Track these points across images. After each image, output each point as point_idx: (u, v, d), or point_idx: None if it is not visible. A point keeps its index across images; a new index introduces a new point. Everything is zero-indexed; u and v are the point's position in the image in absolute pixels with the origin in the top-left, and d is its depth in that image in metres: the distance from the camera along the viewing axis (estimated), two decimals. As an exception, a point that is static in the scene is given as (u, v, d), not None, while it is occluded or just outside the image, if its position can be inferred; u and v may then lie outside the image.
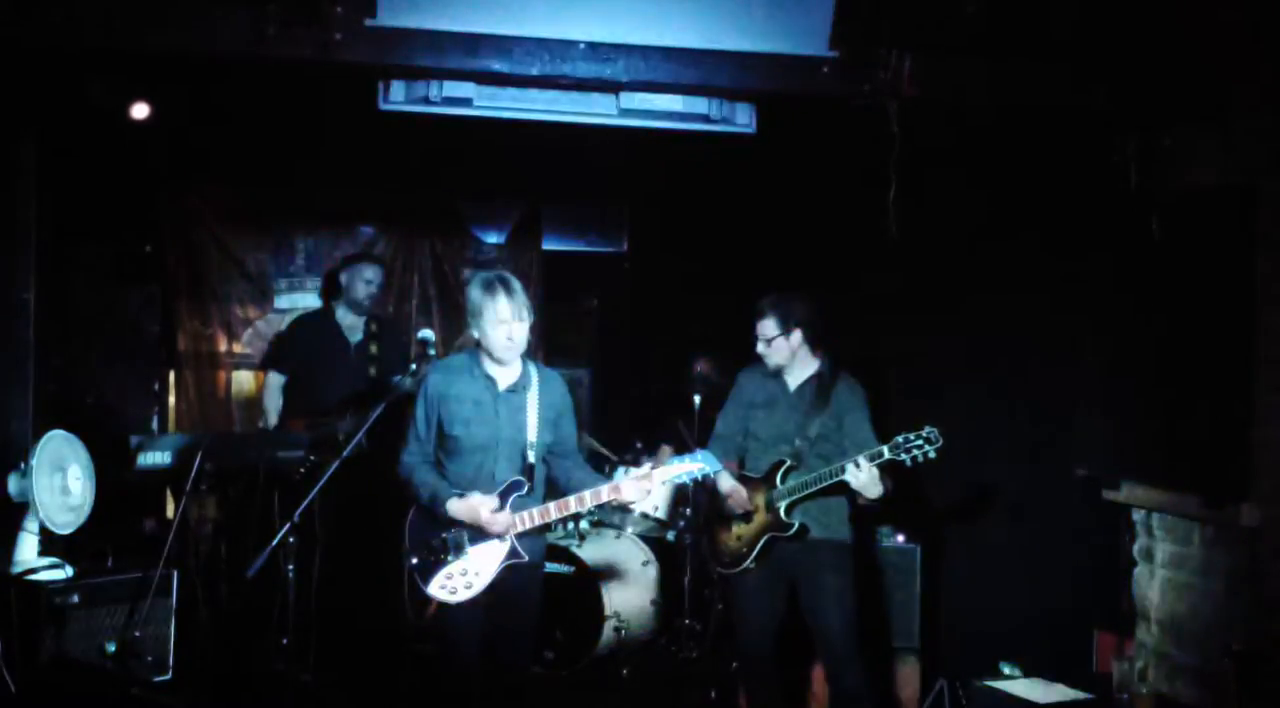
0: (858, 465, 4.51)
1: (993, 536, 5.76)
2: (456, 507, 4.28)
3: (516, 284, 4.36)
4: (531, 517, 4.30)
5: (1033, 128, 5.27)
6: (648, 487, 4.26)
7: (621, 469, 6.65)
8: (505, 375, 4.41)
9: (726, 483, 4.92)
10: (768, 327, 4.85)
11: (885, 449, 4.48)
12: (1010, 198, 5.63)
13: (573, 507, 4.32)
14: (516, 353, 4.38)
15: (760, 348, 4.89)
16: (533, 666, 6.03)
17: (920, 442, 4.43)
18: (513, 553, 4.30)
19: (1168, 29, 4.68)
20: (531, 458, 4.36)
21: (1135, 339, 5.19)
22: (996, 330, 5.78)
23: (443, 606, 4.27)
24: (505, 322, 4.29)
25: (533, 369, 4.47)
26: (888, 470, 4.57)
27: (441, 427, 4.37)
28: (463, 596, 4.27)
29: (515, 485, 4.31)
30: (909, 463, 4.46)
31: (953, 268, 5.96)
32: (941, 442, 4.41)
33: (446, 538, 4.31)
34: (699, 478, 4.33)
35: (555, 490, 4.47)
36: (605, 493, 4.26)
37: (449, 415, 4.35)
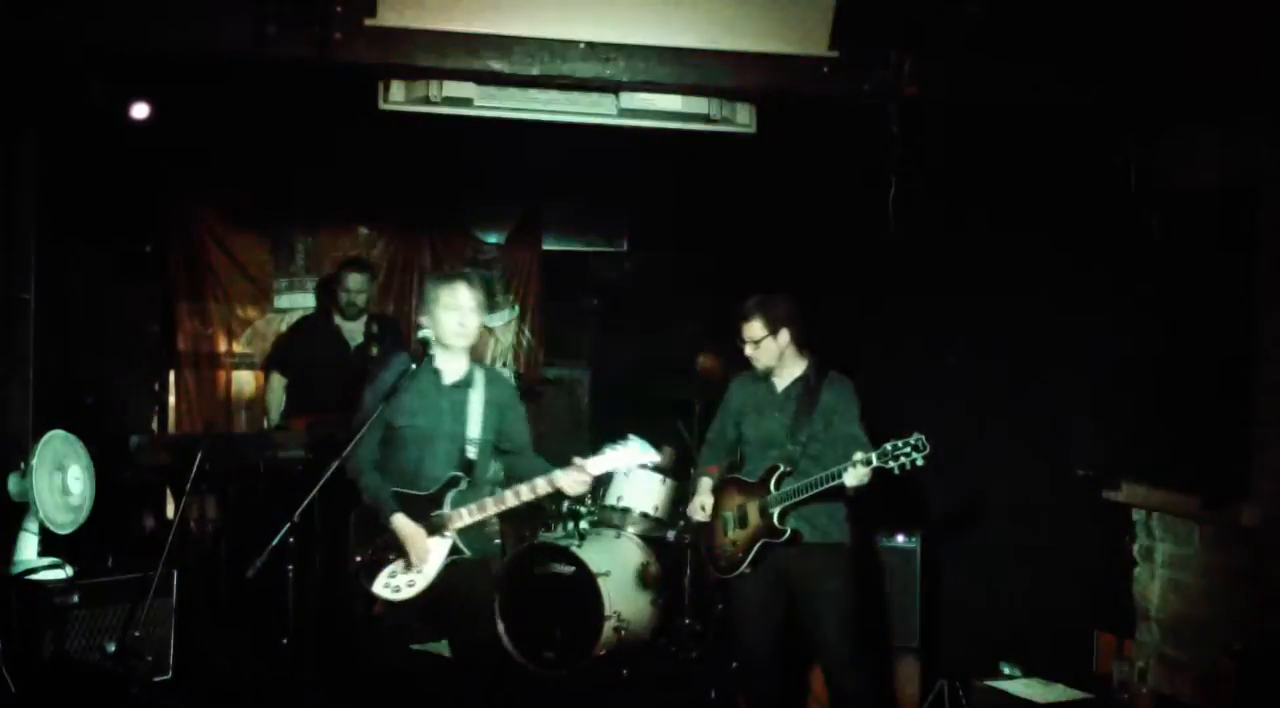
0: (854, 466, 4.49)
1: (993, 536, 5.75)
2: (401, 525, 4.30)
3: (479, 281, 4.45)
4: (470, 512, 4.32)
5: (1033, 128, 5.26)
6: (584, 477, 4.28)
7: (621, 471, 6.65)
8: (452, 370, 4.44)
9: (704, 487, 4.95)
10: (754, 329, 4.81)
11: (874, 457, 4.45)
12: (1010, 198, 5.62)
13: (510, 501, 4.34)
14: (467, 342, 4.42)
15: (748, 350, 4.85)
16: (528, 663, 6.05)
17: (908, 449, 4.39)
18: (454, 550, 4.33)
19: (1167, 29, 4.68)
20: (471, 453, 4.38)
21: (1135, 339, 5.18)
22: (997, 330, 5.78)
23: (387, 604, 4.29)
24: (458, 308, 4.35)
25: (479, 368, 4.51)
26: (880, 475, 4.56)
27: (385, 419, 4.39)
28: (406, 593, 4.29)
29: (453, 481, 4.34)
30: (897, 471, 4.42)
31: (952, 267, 5.96)
32: (929, 449, 4.37)
33: (389, 537, 4.33)
34: (632, 463, 4.34)
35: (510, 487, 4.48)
36: (541, 486, 4.30)
37: (395, 407, 4.37)
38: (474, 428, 4.40)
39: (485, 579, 4.54)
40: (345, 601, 4.46)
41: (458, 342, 4.41)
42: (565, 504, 6.59)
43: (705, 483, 4.99)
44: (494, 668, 4.68)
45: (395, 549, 4.33)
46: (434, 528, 4.32)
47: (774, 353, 4.83)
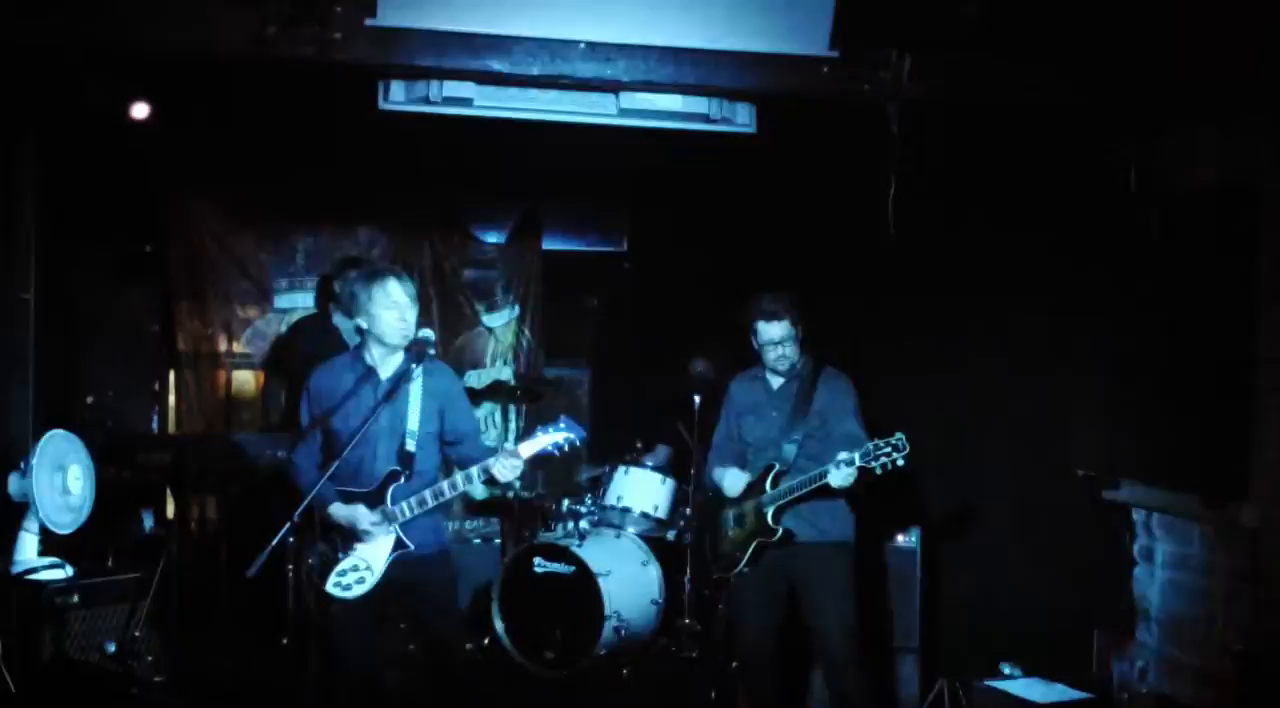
0: (838, 467, 4.49)
1: (993, 536, 5.75)
2: (338, 511, 4.35)
3: (405, 275, 4.46)
4: (410, 506, 4.34)
5: (1032, 128, 5.26)
6: (517, 462, 4.29)
7: (621, 469, 6.65)
8: (387, 366, 4.45)
9: (719, 472, 4.93)
10: (785, 328, 4.78)
11: (856, 456, 4.44)
12: (1010, 198, 5.62)
13: (447, 492, 4.37)
14: (406, 338, 4.41)
15: (777, 352, 4.80)
16: (528, 663, 6.05)
17: (888, 449, 4.37)
18: (399, 544, 4.36)
19: (1166, 29, 4.68)
20: (410, 446, 4.39)
21: (1135, 339, 5.19)
22: (997, 330, 5.78)
23: (342, 603, 4.32)
24: (396, 305, 4.36)
25: (415, 362, 4.47)
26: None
27: (323, 421, 4.42)
28: (357, 591, 4.33)
29: (392, 476, 4.37)
30: (879, 471, 4.42)
31: (952, 267, 5.96)
32: (909, 449, 4.36)
33: (334, 533, 4.37)
34: (564, 447, 4.33)
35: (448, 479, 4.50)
36: (475, 474, 4.31)
37: (332, 410, 4.40)
38: (413, 421, 4.41)
39: (441, 573, 4.53)
40: (306, 603, 4.52)
41: (398, 339, 4.41)
42: (565, 504, 6.60)
43: (720, 470, 4.94)
44: (461, 663, 4.67)
45: (343, 544, 4.37)
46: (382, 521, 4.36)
47: (796, 351, 4.82)
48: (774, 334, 4.78)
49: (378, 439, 4.40)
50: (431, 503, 4.36)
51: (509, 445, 4.32)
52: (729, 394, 5.09)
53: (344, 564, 4.36)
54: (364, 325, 4.43)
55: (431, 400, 4.46)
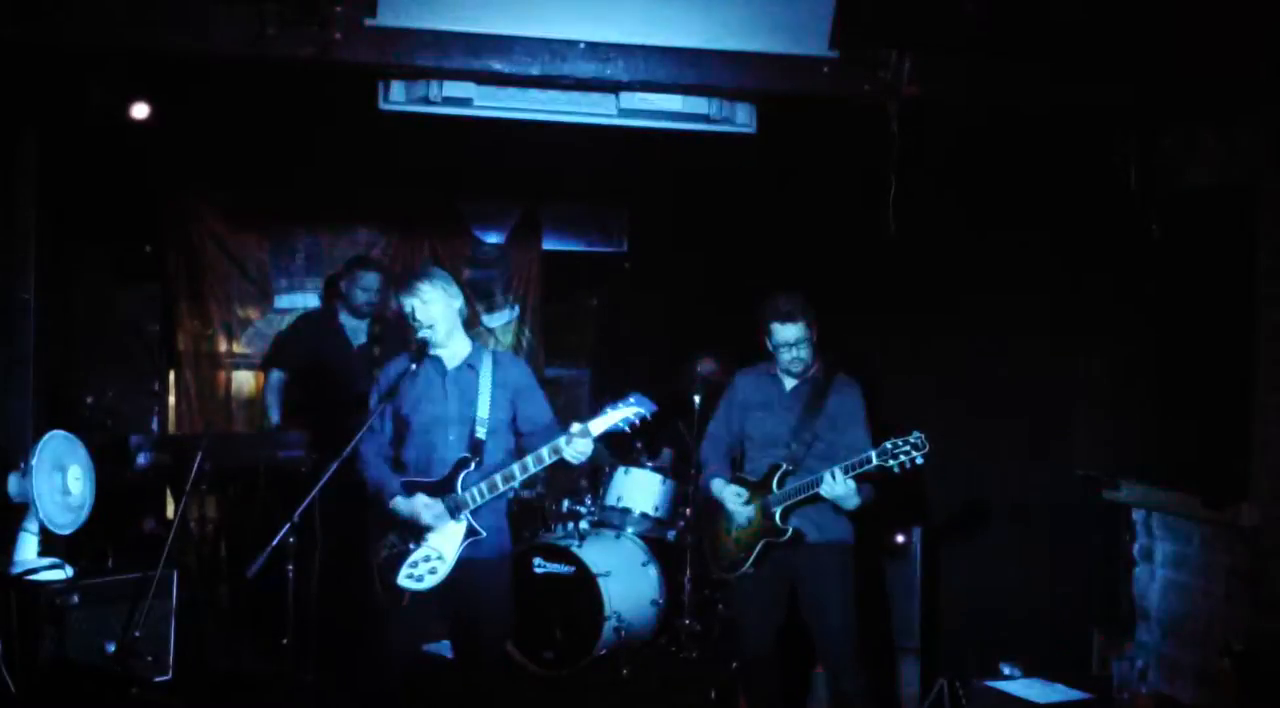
0: (833, 477, 4.49)
1: (993, 536, 5.76)
2: (401, 505, 4.37)
3: (437, 275, 4.51)
4: (481, 492, 4.34)
5: (1033, 128, 5.27)
6: (588, 441, 4.27)
7: (621, 469, 6.66)
8: (453, 355, 4.49)
9: (719, 486, 4.92)
10: (800, 329, 4.77)
11: (873, 455, 4.44)
12: (1010, 198, 5.63)
13: (518, 475, 4.35)
14: (455, 334, 4.48)
15: (791, 354, 4.78)
16: (528, 663, 6.05)
17: (907, 448, 4.38)
18: (470, 531, 4.35)
19: (1167, 29, 4.68)
20: (480, 434, 4.40)
21: (1135, 339, 5.19)
22: (997, 330, 5.78)
23: (413, 595, 4.32)
24: (452, 296, 4.45)
25: (484, 351, 4.57)
26: (872, 478, 4.55)
27: (395, 412, 4.46)
28: (429, 581, 4.32)
29: (462, 463, 4.37)
30: (896, 470, 4.43)
31: (952, 267, 5.96)
32: (928, 447, 4.37)
33: (401, 526, 4.37)
34: (635, 421, 4.30)
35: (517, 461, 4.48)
36: (546, 455, 4.29)
37: (402, 400, 4.44)
38: (483, 409, 4.42)
39: (499, 582, 4.52)
40: (367, 596, 4.47)
41: (447, 340, 4.47)
42: (565, 504, 6.61)
43: (720, 482, 4.93)
44: (496, 671, 4.66)
45: (411, 537, 4.37)
46: (449, 511, 4.35)
47: (812, 353, 4.81)
48: (789, 336, 4.77)
49: (447, 427, 4.42)
50: (502, 487, 4.35)
51: (578, 425, 4.28)
52: (733, 387, 5.07)
53: (415, 555, 4.35)
54: (429, 334, 4.43)
55: (502, 390, 4.48)
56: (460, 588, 4.37)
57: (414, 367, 4.43)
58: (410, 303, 4.41)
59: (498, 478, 4.34)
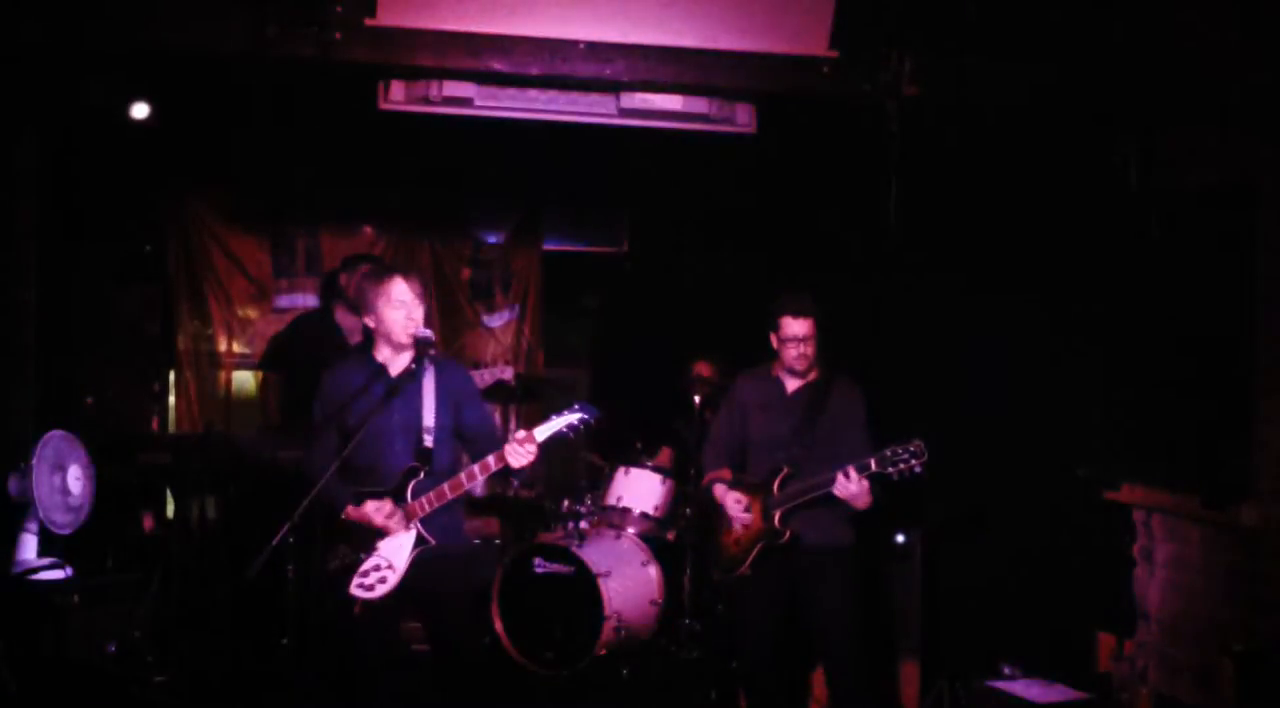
0: (847, 476, 4.48)
1: (993, 536, 5.75)
2: (353, 513, 4.34)
3: (409, 273, 4.47)
4: (430, 501, 4.32)
5: (1032, 128, 5.26)
6: (531, 447, 4.24)
7: (622, 469, 6.66)
8: (397, 363, 4.45)
9: (720, 491, 4.92)
10: (809, 325, 4.75)
11: (872, 462, 4.44)
12: (1010, 198, 5.62)
13: (465, 483, 4.33)
14: (414, 335, 4.40)
15: (798, 349, 4.76)
16: (529, 663, 6.05)
17: (906, 456, 4.37)
18: (419, 540, 4.34)
19: (1167, 29, 4.68)
20: (428, 442, 4.38)
21: (1135, 339, 5.19)
22: (996, 330, 5.78)
23: (365, 604, 4.31)
24: (405, 303, 4.36)
25: (426, 359, 4.47)
26: (880, 482, 4.55)
27: (340, 420, 4.39)
28: (380, 591, 4.30)
29: (411, 472, 4.35)
30: (895, 477, 4.42)
31: (952, 267, 5.96)
32: (928, 456, 4.35)
33: (352, 535, 4.35)
34: (578, 427, 4.29)
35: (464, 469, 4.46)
36: (491, 462, 4.27)
37: (344, 409, 4.38)
38: (428, 417, 4.40)
39: (456, 571, 4.50)
40: (326, 609, 4.48)
41: (405, 337, 4.41)
42: (565, 504, 6.60)
43: (722, 488, 4.91)
44: (473, 662, 4.66)
45: (361, 546, 4.35)
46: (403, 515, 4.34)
47: (815, 350, 4.81)
48: (799, 331, 4.76)
49: (394, 436, 4.39)
50: (450, 496, 4.33)
51: (522, 432, 4.26)
52: (735, 389, 5.07)
53: (366, 565, 4.33)
54: (372, 325, 4.43)
55: (446, 396, 4.46)
56: (416, 590, 4.34)
57: (413, 367, 4.41)
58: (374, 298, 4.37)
59: (446, 487, 4.32)
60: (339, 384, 4.46)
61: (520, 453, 4.23)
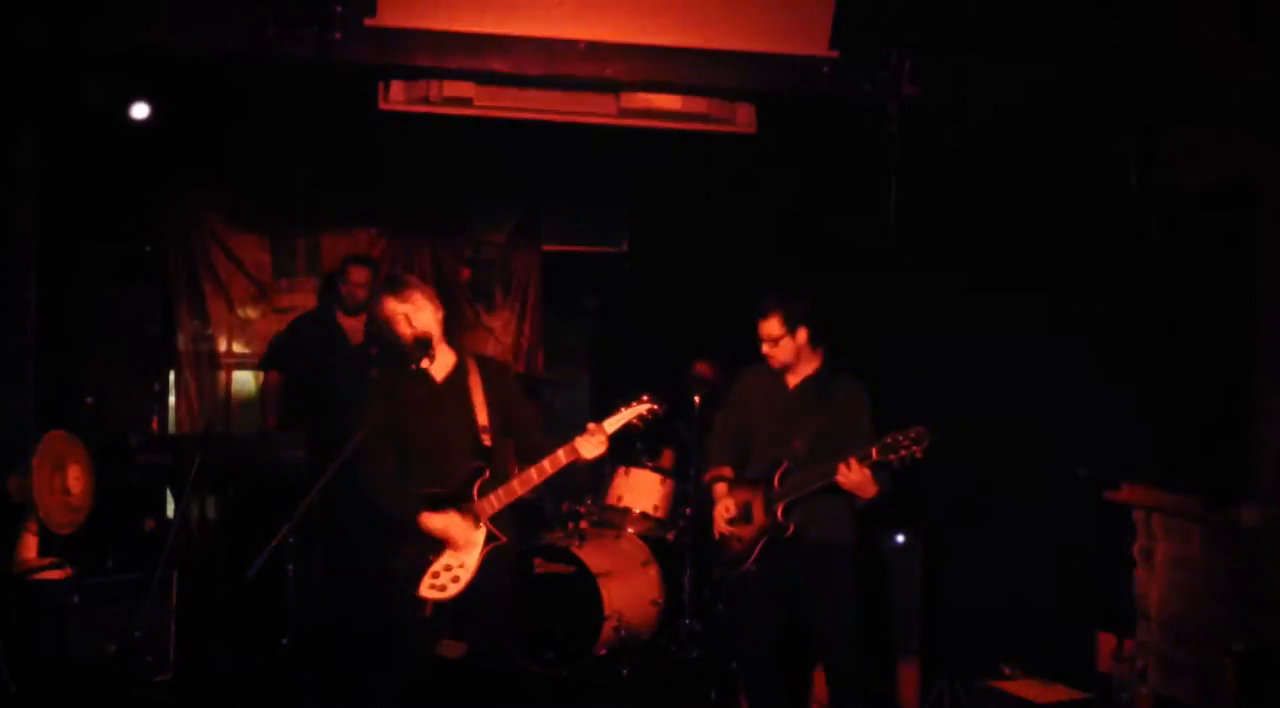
0: (848, 466, 4.48)
1: (993, 536, 5.75)
2: (431, 522, 4.31)
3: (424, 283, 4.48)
4: (499, 498, 4.32)
5: (1032, 128, 5.27)
6: (601, 438, 4.26)
7: (622, 469, 6.66)
8: (440, 368, 4.45)
9: (720, 492, 4.92)
10: (772, 326, 4.76)
11: (874, 451, 4.45)
12: (1010, 198, 5.63)
13: (535, 478, 4.32)
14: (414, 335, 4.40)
15: (765, 348, 4.81)
16: (529, 663, 6.05)
17: (908, 442, 4.38)
18: (491, 537, 4.33)
19: (1167, 29, 4.68)
20: (487, 441, 4.38)
21: (1135, 339, 5.19)
22: (996, 330, 5.78)
23: (436, 604, 4.29)
24: (426, 307, 4.37)
25: (468, 357, 4.49)
26: (884, 470, 4.55)
27: (393, 429, 4.37)
28: (451, 591, 4.29)
29: (476, 471, 4.34)
30: (896, 464, 4.42)
31: (952, 267, 5.96)
32: (928, 442, 4.36)
33: (423, 539, 4.33)
34: (647, 415, 4.30)
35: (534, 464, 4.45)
36: (562, 456, 4.27)
37: (397, 416, 4.36)
38: (482, 415, 4.40)
39: (502, 568, 4.50)
40: (386, 606, 4.43)
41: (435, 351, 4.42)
42: (565, 504, 6.60)
43: (722, 490, 4.92)
44: (503, 659, 4.65)
45: (431, 548, 4.33)
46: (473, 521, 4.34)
47: (791, 351, 4.79)
48: (763, 331, 4.77)
49: (451, 437, 4.38)
50: (520, 491, 4.33)
51: (593, 424, 4.27)
52: (738, 382, 5.07)
53: (437, 565, 4.32)
54: (409, 335, 4.39)
55: (495, 394, 4.45)
56: (476, 589, 4.34)
57: (413, 368, 4.40)
58: (403, 309, 4.36)
59: (515, 484, 4.32)
60: (389, 393, 4.36)
61: (592, 445, 4.24)
